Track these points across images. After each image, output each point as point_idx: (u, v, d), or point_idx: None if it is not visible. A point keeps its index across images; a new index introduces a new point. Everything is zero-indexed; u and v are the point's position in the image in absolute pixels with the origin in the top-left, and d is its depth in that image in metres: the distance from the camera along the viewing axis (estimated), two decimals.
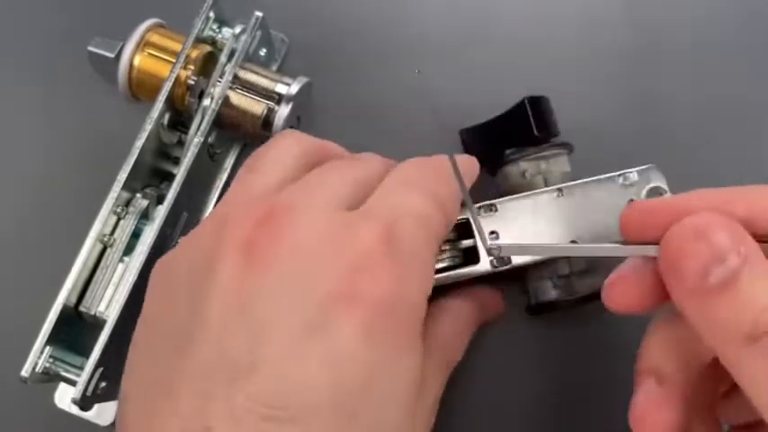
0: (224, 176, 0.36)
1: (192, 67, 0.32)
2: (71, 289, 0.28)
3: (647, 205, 0.23)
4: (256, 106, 0.32)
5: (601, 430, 0.33)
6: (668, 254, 0.21)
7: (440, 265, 0.31)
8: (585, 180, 0.31)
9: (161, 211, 0.30)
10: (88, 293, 0.29)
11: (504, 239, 0.31)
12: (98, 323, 0.29)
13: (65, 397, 0.32)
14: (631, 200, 0.30)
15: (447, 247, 0.31)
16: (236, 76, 0.32)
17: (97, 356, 0.28)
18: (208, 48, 0.33)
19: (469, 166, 0.29)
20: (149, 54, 0.32)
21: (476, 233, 0.28)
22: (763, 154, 0.37)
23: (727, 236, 0.19)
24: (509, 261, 0.31)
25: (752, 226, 0.20)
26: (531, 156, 0.32)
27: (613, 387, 0.33)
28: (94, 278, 0.29)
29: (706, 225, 0.20)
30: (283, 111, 0.32)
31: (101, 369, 0.29)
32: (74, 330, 0.29)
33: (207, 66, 0.32)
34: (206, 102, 0.31)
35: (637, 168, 0.31)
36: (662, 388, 0.23)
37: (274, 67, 0.37)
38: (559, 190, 0.31)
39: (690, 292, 0.20)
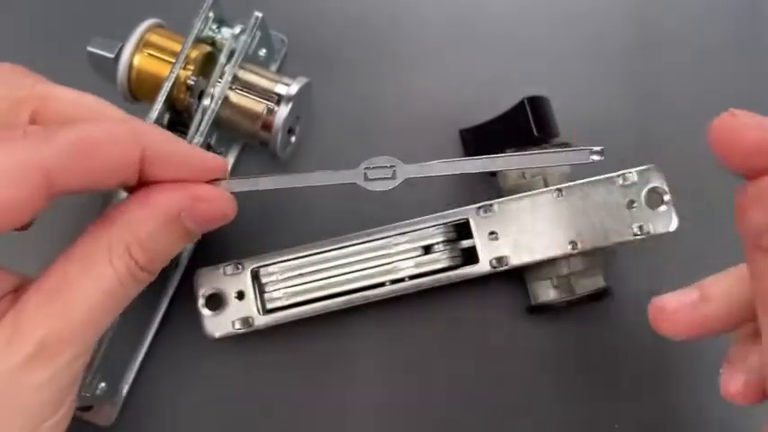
0: None
1: (192, 68, 0.32)
2: None
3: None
4: (256, 106, 0.32)
5: (601, 429, 0.33)
6: (740, 204, 0.20)
7: (440, 266, 0.31)
8: (585, 180, 0.31)
9: None
10: None
11: (503, 240, 0.31)
12: None
13: None
14: (631, 202, 0.30)
15: (447, 248, 0.31)
16: (235, 77, 0.32)
17: (97, 358, 0.29)
18: (207, 48, 0.33)
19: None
20: (149, 54, 0.32)
21: None
22: None
23: None
24: (507, 262, 0.31)
25: None
26: None
27: (613, 386, 0.34)
28: None
29: None
30: (283, 111, 0.32)
31: (100, 370, 0.29)
32: None
33: (206, 66, 0.32)
34: (205, 102, 0.31)
35: (637, 168, 0.31)
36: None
37: (274, 68, 0.37)
38: (559, 190, 0.31)
39: (747, 240, 0.20)
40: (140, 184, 0.24)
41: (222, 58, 0.32)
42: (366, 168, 0.25)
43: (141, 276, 0.24)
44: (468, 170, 0.25)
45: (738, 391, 0.24)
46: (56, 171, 0.21)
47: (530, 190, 0.31)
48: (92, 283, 0.22)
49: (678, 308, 0.25)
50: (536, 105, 0.32)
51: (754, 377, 0.24)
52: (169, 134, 0.25)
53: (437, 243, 0.31)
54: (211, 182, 0.25)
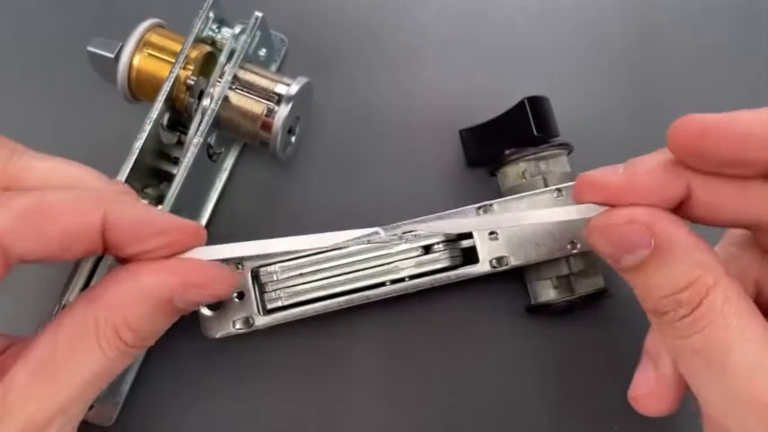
0: (224, 177, 0.36)
1: (192, 68, 0.32)
2: (71, 292, 0.28)
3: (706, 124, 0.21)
4: (256, 106, 0.32)
5: (601, 429, 0.33)
6: (595, 234, 0.23)
7: (440, 266, 0.31)
8: None
9: None
10: None
11: (503, 240, 0.31)
12: None
13: None
14: None
15: (447, 247, 0.31)
16: (235, 77, 0.32)
17: None
18: (207, 48, 0.33)
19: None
20: (149, 54, 0.32)
21: None
22: None
23: (639, 232, 0.21)
24: (507, 261, 0.31)
25: None
26: (531, 156, 0.32)
27: (613, 386, 0.33)
28: (93, 279, 0.29)
29: (628, 217, 0.22)
30: (283, 111, 0.32)
31: None
32: None
33: (206, 66, 0.32)
34: (205, 102, 0.31)
35: None
36: (657, 373, 0.25)
37: (274, 68, 0.37)
38: (559, 190, 0.31)
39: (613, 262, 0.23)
40: (123, 259, 0.24)
41: (222, 58, 0.32)
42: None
43: (130, 353, 0.24)
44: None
45: (643, 392, 0.25)
46: (9, 236, 0.21)
47: (530, 189, 0.31)
48: (79, 365, 0.22)
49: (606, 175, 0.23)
50: (536, 105, 0.32)
51: (667, 374, 0.25)
52: (140, 203, 0.25)
53: (437, 243, 0.31)
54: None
